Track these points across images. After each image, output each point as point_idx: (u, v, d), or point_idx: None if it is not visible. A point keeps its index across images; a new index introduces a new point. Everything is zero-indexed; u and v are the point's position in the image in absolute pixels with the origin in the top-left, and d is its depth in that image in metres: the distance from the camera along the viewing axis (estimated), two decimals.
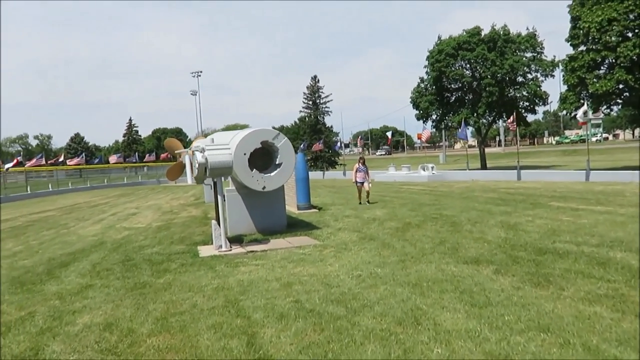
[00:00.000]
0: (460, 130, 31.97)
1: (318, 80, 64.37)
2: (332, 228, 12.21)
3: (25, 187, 43.75)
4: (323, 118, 65.11)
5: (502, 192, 19.94)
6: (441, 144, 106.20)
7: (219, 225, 10.29)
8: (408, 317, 5.29)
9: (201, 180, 10.76)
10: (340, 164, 57.40)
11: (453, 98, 41.36)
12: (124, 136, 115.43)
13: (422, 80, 41.73)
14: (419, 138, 42.71)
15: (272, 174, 11.33)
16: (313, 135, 60.67)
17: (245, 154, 11.05)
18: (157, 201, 27.49)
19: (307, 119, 65.11)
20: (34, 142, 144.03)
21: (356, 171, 17.86)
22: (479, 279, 6.66)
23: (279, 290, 6.66)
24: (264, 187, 11.22)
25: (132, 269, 8.84)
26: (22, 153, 58.21)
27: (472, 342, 4.54)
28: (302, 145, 46.05)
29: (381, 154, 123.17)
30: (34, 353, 4.96)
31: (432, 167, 31.99)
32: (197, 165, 10.14)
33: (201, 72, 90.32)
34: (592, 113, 28.00)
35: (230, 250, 10.18)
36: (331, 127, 66.80)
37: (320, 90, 64.26)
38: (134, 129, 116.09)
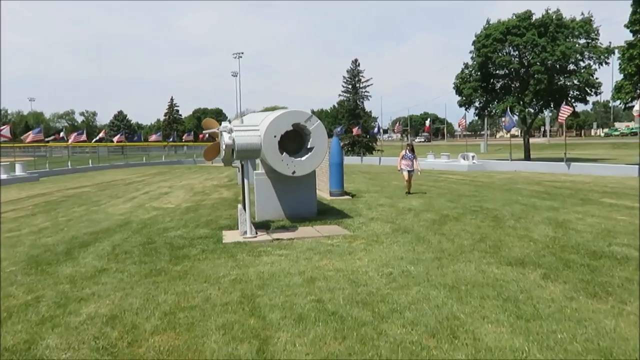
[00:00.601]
0: (507, 120, 30.56)
1: (359, 64, 63.11)
2: (364, 217, 11.55)
3: (67, 162, 44.57)
4: (362, 102, 64.00)
5: (547, 185, 18.82)
6: (482, 132, 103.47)
7: (245, 210, 9.79)
8: (443, 327, 4.63)
9: (228, 162, 10.26)
10: (378, 150, 56.57)
11: (498, 85, 39.72)
12: (165, 115, 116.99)
13: (466, 65, 40.21)
14: (460, 126, 41.30)
15: (303, 158, 10.72)
16: (351, 120, 59.76)
17: (275, 137, 10.48)
18: (191, 181, 27.35)
19: (345, 103, 64.17)
20: (79, 119, 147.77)
21: (402, 158, 16.35)
22: (525, 284, 5.92)
23: (301, 287, 6.08)
24: (293, 172, 10.64)
25: (151, 253, 8.43)
26: (64, 129, 59.19)
27: None
28: (338, 129, 45.33)
29: (420, 141, 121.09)
30: (26, 347, 4.53)
31: (473, 156, 30.81)
32: (224, 146, 9.63)
33: (242, 53, 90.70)
34: None
35: (256, 237, 9.68)
36: (370, 112, 65.74)
37: (361, 74, 63.05)
38: (175, 108, 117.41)
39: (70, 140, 47.67)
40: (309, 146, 10.80)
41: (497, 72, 39.12)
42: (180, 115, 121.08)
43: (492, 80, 39.38)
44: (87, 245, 9.32)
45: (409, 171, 16.19)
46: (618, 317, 4.81)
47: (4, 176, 28.20)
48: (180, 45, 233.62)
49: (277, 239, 9.46)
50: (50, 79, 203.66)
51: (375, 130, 46.89)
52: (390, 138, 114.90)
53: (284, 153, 10.60)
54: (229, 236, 9.89)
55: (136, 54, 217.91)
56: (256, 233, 9.98)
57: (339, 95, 64.77)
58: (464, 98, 39.58)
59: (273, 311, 5.20)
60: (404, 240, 8.77)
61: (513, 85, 38.90)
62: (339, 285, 6.08)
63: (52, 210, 15.56)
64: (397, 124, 44.78)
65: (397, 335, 4.49)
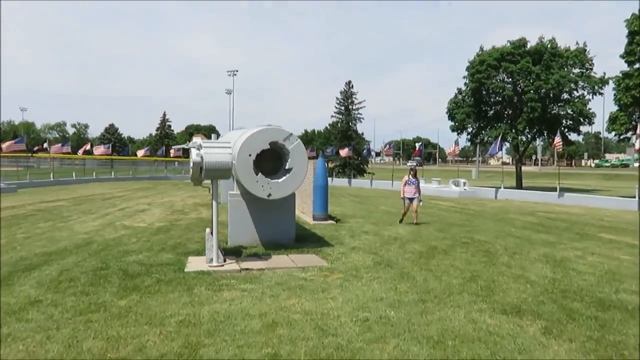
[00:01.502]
0: (493, 145, 29.97)
1: (352, 86, 62.86)
2: (345, 247, 10.61)
3: (50, 174, 43.35)
4: (355, 124, 63.57)
5: (541, 216, 18.00)
6: (474, 158, 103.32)
7: (212, 235, 8.83)
8: None
9: (197, 181, 9.30)
10: (369, 172, 55.75)
11: (491, 112, 39.22)
12: (156, 130, 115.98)
13: (459, 91, 39.74)
14: (450, 154, 40.67)
15: (280, 180, 9.79)
16: (343, 141, 59.10)
17: (250, 155, 9.57)
18: (173, 198, 26.33)
19: (338, 124, 63.63)
20: (71, 130, 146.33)
21: (405, 184, 14.95)
22: (523, 341, 4.99)
23: (258, 334, 5.12)
24: (269, 195, 9.70)
25: (99, 281, 7.42)
26: (47, 140, 57.94)
27: None
28: (329, 150, 44.53)
29: (412, 165, 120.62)
30: None
31: (464, 183, 30.05)
32: (191, 164, 8.71)
33: (237, 71, 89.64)
34: None
35: (223, 265, 8.71)
36: (362, 134, 65.20)
37: (354, 96, 62.75)
38: (168, 123, 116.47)
39: (51, 151, 46.49)
40: (287, 167, 9.89)
41: (491, 98, 38.67)
42: (172, 130, 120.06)
43: (484, 107, 38.88)
44: (32, 269, 8.30)
45: (412, 199, 14.81)
46: None
47: None
48: (176, 63, 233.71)
49: (246, 269, 8.50)
50: (44, 91, 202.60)
51: (366, 152, 46.04)
52: (382, 161, 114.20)
53: (259, 174, 9.69)
54: (194, 263, 8.91)
55: (132, 70, 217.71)
56: (224, 261, 9.02)
57: (332, 116, 64.31)
58: (456, 123, 39.00)
59: None
60: (386, 276, 7.83)
61: (506, 112, 38.42)
62: (304, 334, 5.12)
63: (15, 225, 14.48)
64: (387, 147, 43.94)
65: None
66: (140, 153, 56.50)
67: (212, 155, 8.53)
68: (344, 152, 44.53)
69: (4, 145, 36.48)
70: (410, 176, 14.96)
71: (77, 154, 51.68)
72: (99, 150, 51.06)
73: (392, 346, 4.80)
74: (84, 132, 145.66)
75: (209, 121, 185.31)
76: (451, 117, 39.52)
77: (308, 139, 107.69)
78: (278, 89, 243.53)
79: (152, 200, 24.51)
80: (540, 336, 5.13)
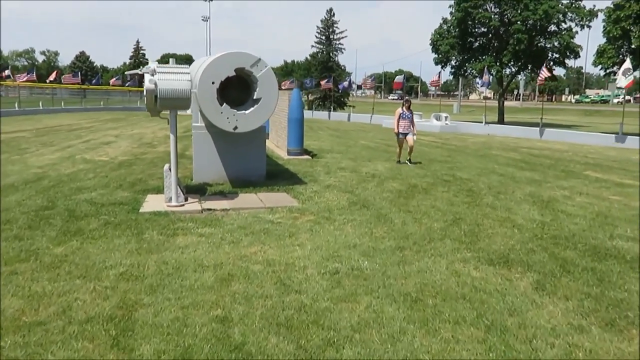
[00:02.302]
0: (486, 77, 29.11)
1: (334, 14, 60.27)
2: (319, 184, 9.86)
3: (15, 103, 41.28)
4: (336, 55, 61.54)
5: (524, 152, 17.42)
6: (456, 93, 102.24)
7: (170, 171, 7.97)
8: None
9: (154, 111, 8.30)
10: (350, 106, 54.48)
11: (476, 44, 37.89)
12: (130, 59, 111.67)
13: (445, 21, 38.07)
14: (432, 84, 39.52)
15: (247, 111, 8.84)
16: (323, 73, 57.31)
17: (213, 83, 8.55)
18: (143, 130, 25.19)
19: (319, 55, 61.52)
20: (40, 58, 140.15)
21: (399, 118, 13.40)
22: (514, 299, 4.36)
23: (209, 291, 4.39)
24: (235, 128, 8.77)
25: (40, 223, 6.59)
26: (9, 67, 55.08)
27: None
28: (307, 82, 43.05)
29: (393, 99, 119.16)
30: None
31: (446, 117, 29.24)
32: (144, 92, 7.70)
33: None
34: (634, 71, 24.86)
35: (183, 205, 7.92)
36: (344, 66, 63.41)
37: (335, 25, 60.32)
38: (141, 52, 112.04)
39: (18, 80, 44.28)
40: (255, 97, 8.91)
41: (476, 29, 37.23)
42: (147, 59, 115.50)
43: (470, 38, 37.48)
44: None
45: (406, 134, 13.36)
46: None
47: None
48: None
49: (208, 210, 7.72)
50: (14, 17, 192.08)
51: (346, 84, 44.62)
52: (363, 94, 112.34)
53: (224, 104, 8.71)
54: (151, 203, 8.10)
55: None
56: (185, 200, 8.23)
57: (312, 46, 62.04)
58: (440, 55, 37.67)
59: (148, 341, 3.50)
60: (361, 219, 7.13)
61: (491, 44, 37.13)
62: (262, 291, 4.41)
63: None
64: (369, 80, 42.59)
65: None
66: (112, 82, 54.21)
67: (167, 82, 7.51)
68: (324, 84, 43.07)
69: None
70: (404, 109, 13.53)
71: (45, 82, 49.34)
72: (67, 79, 48.73)
73: (363, 306, 4.12)
74: (54, 60, 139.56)
75: (185, 51, 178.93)
76: (435, 48, 38.11)
77: (288, 70, 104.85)
78: (257, 16, 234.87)
79: (120, 132, 23.35)
80: (532, 292, 4.51)
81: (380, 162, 13.38)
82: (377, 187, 9.62)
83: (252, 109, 8.86)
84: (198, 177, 9.94)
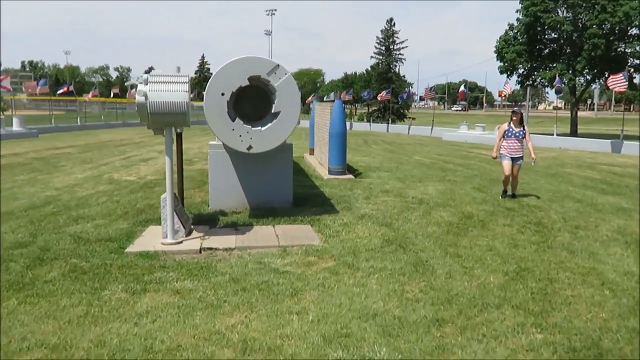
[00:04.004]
0: (554, 85, 26.61)
1: (394, 24, 58.66)
2: (353, 214, 8.26)
3: (77, 118, 42.19)
4: (396, 66, 59.74)
5: (603, 170, 15.07)
6: (524, 102, 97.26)
7: (168, 201, 6.66)
8: None
9: (151, 126, 7.02)
10: (410, 117, 52.39)
11: (546, 51, 35.06)
12: (195, 73, 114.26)
13: (511, 27, 35.45)
14: (500, 95, 36.86)
15: (263, 128, 7.42)
16: (382, 84, 55.66)
17: (223, 95, 7.21)
18: (191, 144, 24.44)
19: (379, 66, 59.97)
20: (114, 74, 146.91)
21: (502, 135, 9.71)
22: None
23: None
24: (249, 148, 7.37)
25: None
26: (71, 82, 57.05)
27: None
28: (365, 93, 41.49)
29: (457, 110, 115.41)
30: None
31: None
32: (135, 106, 6.45)
33: (275, 10, 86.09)
34: None
35: (181, 242, 6.58)
36: (404, 76, 61.56)
37: (395, 35, 58.63)
38: (207, 66, 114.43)
39: (88, 96, 45.82)
40: (273, 110, 7.48)
41: (546, 35, 34.46)
42: (212, 73, 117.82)
43: (539, 45, 34.74)
44: None
45: (513, 159, 9.59)
46: None
47: None
48: (216, 3, 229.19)
49: (209, 249, 6.34)
50: (88, 33, 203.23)
51: (405, 95, 42.65)
52: (426, 105, 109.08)
53: (237, 119, 7.34)
54: (147, 238, 6.82)
55: (173, 12, 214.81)
56: (189, 233, 6.92)
57: (371, 57, 60.67)
58: (506, 63, 35.09)
59: None
60: (393, 268, 5.48)
61: (563, 51, 34.19)
62: None
63: None
64: (428, 90, 40.38)
65: None
66: None
67: (160, 94, 6.22)
68: (382, 96, 41.31)
69: (30, 89, 35.56)
70: (511, 124, 9.67)
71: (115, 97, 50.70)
72: (132, 94, 49.68)
73: None
74: (126, 76, 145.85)
75: None
76: (500, 56, 35.58)
77: (348, 82, 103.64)
78: (321, 28, 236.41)
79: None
80: None
81: (432, 183, 11.61)
82: (422, 219, 7.91)
83: (269, 124, 7.44)
84: (215, 204, 8.63)
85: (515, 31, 35.04)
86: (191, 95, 6.50)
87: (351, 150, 20.65)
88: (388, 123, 42.70)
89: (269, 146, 7.48)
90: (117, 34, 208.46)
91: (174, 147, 7.65)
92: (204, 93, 7.24)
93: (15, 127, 28.85)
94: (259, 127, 7.41)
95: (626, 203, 9.47)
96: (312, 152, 17.50)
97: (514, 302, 4.53)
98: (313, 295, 4.67)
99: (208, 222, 7.74)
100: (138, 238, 6.81)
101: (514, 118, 9.60)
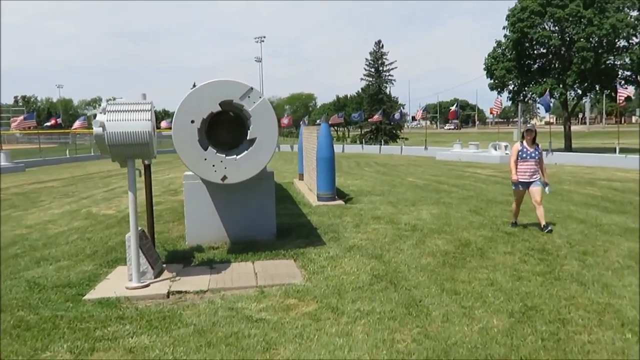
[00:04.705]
0: (544, 97, 26.21)
1: (382, 46, 58.90)
2: (340, 245, 7.62)
3: (65, 150, 41.65)
4: (386, 87, 59.78)
5: (603, 186, 14.53)
6: (515, 119, 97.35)
7: (133, 241, 6.02)
8: None
9: (113, 157, 6.38)
10: (402, 138, 52.08)
11: (535, 66, 34.91)
12: None
13: (499, 44, 35.36)
14: (491, 113, 36.55)
15: (239, 156, 6.83)
16: (374, 106, 55.51)
17: (193, 122, 6.63)
18: (180, 173, 23.85)
19: (369, 87, 60.03)
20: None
21: (517, 157, 8.58)
22: None
23: None
24: (224, 178, 6.77)
25: None
26: (58, 114, 56.58)
27: None
28: (356, 115, 41.14)
29: (449, 128, 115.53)
30: None
31: (506, 146, 26.36)
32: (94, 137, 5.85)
33: (264, 37, 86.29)
34: None
35: (148, 285, 5.93)
36: (396, 98, 61.73)
37: (384, 57, 58.80)
38: None
39: (75, 127, 45.13)
40: (249, 137, 6.90)
41: (534, 50, 34.35)
42: None
43: (527, 60, 34.61)
44: None
45: (529, 183, 8.52)
46: None
47: None
48: (211, 32, 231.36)
49: (178, 293, 5.69)
50: (80, 66, 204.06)
51: (397, 116, 42.34)
52: (419, 125, 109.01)
53: (209, 148, 6.75)
54: (111, 281, 6.17)
55: (160, 40, 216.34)
56: (159, 273, 6.28)
57: (361, 79, 60.82)
58: (496, 80, 34.90)
59: None
60: (382, 311, 4.83)
61: (553, 65, 34.02)
62: None
63: None
64: (420, 110, 39.97)
65: None
66: (163, 124, 54.27)
67: (118, 124, 5.63)
68: (375, 118, 40.89)
69: (14, 124, 35.07)
70: (525, 143, 8.64)
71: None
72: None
73: None
74: None
75: None
76: (490, 73, 35.44)
77: (340, 105, 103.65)
78: (310, 52, 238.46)
79: (154, 178, 22.05)
80: None
81: (426, 207, 11.01)
82: (416, 248, 7.27)
83: (245, 152, 6.85)
84: (192, 239, 8.00)
85: (504, 47, 34.95)
86: (154, 124, 5.92)
87: (343, 173, 20.09)
88: (380, 144, 42.26)
89: (245, 176, 6.87)
90: (109, 65, 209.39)
91: (143, 180, 7.08)
92: (172, 121, 6.66)
93: (3, 162, 28.21)
94: (234, 156, 6.82)
95: (633, 222, 8.87)
96: (301, 177, 16.90)
97: (522, 352, 3.87)
98: (289, 350, 4.01)
99: (183, 259, 7.11)
100: (101, 282, 6.16)
101: (528, 137, 8.58)
